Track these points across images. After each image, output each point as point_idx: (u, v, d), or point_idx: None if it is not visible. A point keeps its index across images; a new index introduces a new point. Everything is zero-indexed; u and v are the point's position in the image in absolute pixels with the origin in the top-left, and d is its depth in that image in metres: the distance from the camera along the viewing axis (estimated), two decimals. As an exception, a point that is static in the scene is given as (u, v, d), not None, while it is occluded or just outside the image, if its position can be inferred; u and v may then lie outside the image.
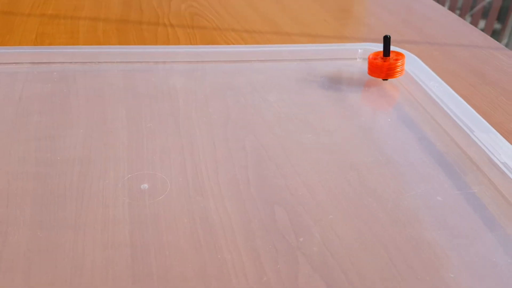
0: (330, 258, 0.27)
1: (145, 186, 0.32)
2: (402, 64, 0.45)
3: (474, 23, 1.43)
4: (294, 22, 0.61)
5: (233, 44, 0.54)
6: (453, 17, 0.69)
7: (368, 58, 0.46)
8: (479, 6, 1.53)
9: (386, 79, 0.46)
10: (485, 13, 1.55)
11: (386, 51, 0.45)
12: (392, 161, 0.36)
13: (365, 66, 0.48)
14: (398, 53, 0.46)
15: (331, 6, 0.68)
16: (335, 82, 0.46)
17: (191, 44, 0.54)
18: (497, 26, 1.55)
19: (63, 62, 0.47)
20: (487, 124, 0.38)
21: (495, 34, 1.47)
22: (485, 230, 0.30)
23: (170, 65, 0.47)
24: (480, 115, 0.39)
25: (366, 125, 0.41)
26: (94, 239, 0.28)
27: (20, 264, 0.26)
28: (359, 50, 0.50)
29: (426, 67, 0.46)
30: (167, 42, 0.54)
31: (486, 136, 0.36)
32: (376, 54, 0.46)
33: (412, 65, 0.47)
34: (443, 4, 1.33)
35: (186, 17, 0.61)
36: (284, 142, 0.37)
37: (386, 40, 0.44)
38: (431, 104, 0.41)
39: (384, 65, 0.45)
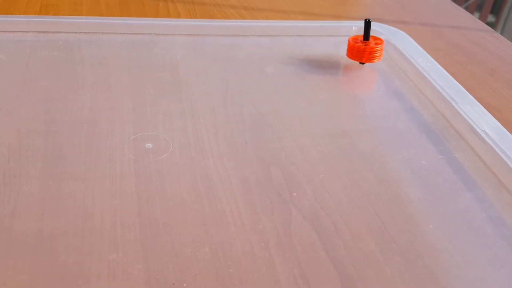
0: (320, 211, 0.30)
1: (149, 145, 0.34)
2: (381, 50, 0.46)
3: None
4: (291, 0, 0.63)
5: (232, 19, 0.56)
6: (446, 1, 0.71)
7: (348, 40, 0.46)
8: (473, -1, 1.56)
9: (363, 63, 0.46)
10: (479, 6, 1.57)
11: (366, 35, 0.46)
12: (381, 128, 0.38)
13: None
14: (377, 38, 0.47)
15: None
16: (329, 56, 0.48)
17: (191, 18, 0.56)
18: (491, 18, 1.58)
19: (68, 32, 0.49)
20: (471, 97, 0.40)
21: (489, 27, 1.49)
22: (463, 190, 0.32)
23: (171, 37, 0.49)
24: (466, 90, 0.41)
25: (357, 96, 0.43)
26: (103, 190, 0.30)
27: (34, 210, 0.29)
28: (353, 28, 0.52)
29: (416, 44, 0.49)
30: (168, 16, 0.56)
31: (470, 108, 0.39)
32: (357, 37, 0.47)
33: (404, 42, 0.49)
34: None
35: (187, -6, 0.62)
36: (280, 110, 0.40)
37: (367, 24, 0.45)
38: (419, 78, 0.44)
39: (360, 48, 0.45)
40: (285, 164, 0.34)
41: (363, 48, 0.45)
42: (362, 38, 0.46)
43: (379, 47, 0.45)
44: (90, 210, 0.29)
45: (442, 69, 0.44)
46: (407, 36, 0.51)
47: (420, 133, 0.38)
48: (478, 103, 0.40)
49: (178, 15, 0.57)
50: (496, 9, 1.56)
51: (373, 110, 0.41)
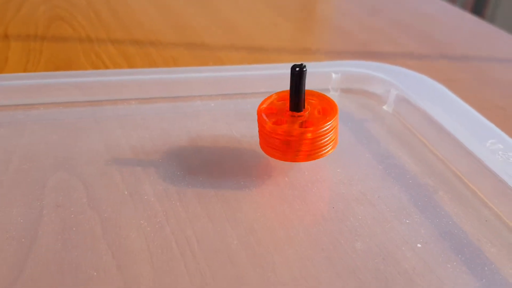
0: None
1: None
2: (333, 131, 0.20)
3: None
4: (223, 27, 0.38)
5: (104, 67, 0.30)
6: (469, 17, 0.46)
7: (258, 113, 0.21)
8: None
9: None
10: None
11: (295, 101, 0.20)
12: None
13: (344, 103, 0.25)
14: (325, 101, 0.21)
15: (282, 3, 0.45)
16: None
17: (26, 70, 0.30)
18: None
19: None
20: None
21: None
22: None
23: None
24: None
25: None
26: None
27: None
28: (333, 76, 0.27)
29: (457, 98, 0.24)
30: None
31: None
32: (281, 99, 0.21)
33: (428, 95, 0.24)
34: None
35: (38, 25, 0.36)
36: None
37: (297, 76, 0.19)
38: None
39: (280, 135, 0.19)
40: None
41: (287, 135, 0.19)
42: (287, 106, 0.20)
43: (325, 128, 0.20)
44: None
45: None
46: (432, 81, 0.26)
47: None
48: None
49: (3, 62, 0.30)
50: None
51: None
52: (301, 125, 0.20)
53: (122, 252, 0.17)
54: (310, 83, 0.27)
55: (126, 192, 0.19)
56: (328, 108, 0.20)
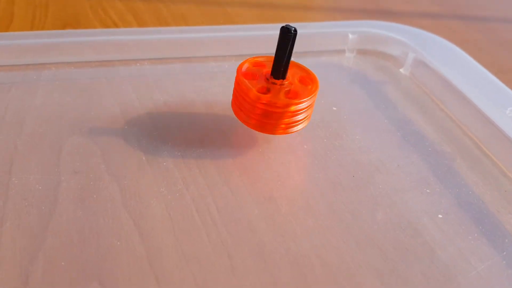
0: None
1: None
2: (309, 107, 0.19)
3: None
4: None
5: (112, 24, 0.29)
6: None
7: (237, 75, 0.20)
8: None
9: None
10: None
11: (278, 68, 0.19)
12: None
13: (360, 65, 0.25)
14: (304, 73, 0.20)
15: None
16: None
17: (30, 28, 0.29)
18: None
19: None
20: None
21: None
22: None
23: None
24: None
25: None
26: None
27: None
28: (350, 36, 0.26)
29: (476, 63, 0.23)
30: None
31: None
32: (256, 64, 0.20)
33: (445, 60, 0.23)
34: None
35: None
36: None
37: (285, 39, 0.18)
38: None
39: (255, 107, 0.19)
40: None
41: (272, 106, 0.18)
42: (264, 73, 0.20)
43: (305, 103, 0.19)
44: None
45: None
46: (451, 45, 0.26)
47: None
48: None
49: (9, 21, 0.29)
50: None
51: None
52: (287, 94, 0.19)
53: (144, 220, 0.17)
54: (326, 43, 0.26)
55: (143, 158, 0.19)
56: (306, 78, 0.19)
